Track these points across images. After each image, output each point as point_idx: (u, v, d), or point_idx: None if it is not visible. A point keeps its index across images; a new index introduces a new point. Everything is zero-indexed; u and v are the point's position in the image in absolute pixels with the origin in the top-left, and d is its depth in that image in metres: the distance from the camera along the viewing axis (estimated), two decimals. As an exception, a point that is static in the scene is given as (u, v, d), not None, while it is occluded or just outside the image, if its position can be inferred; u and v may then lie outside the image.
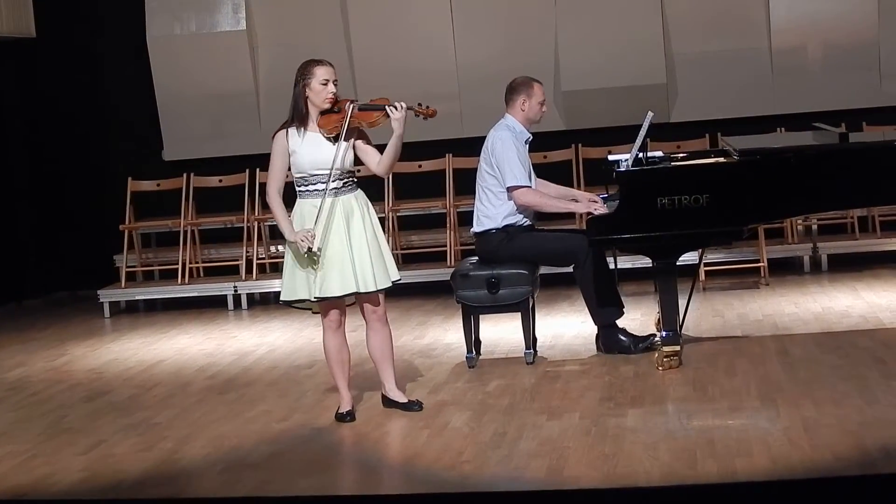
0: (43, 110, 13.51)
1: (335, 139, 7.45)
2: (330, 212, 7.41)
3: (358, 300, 7.55)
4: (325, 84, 7.46)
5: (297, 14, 13.01)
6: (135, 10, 13.13)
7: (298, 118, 7.50)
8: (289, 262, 7.51)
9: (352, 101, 7.48)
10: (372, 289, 7.43)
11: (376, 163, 7.57)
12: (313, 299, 7.43)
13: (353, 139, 7.49)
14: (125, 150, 13.47)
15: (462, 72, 12.78)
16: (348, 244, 7.40)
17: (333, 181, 7.43)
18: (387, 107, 7.48)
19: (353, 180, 7.55)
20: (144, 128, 13.35)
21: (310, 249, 7.31)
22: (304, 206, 7.48)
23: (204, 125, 13.21)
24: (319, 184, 7.43)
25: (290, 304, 7.62)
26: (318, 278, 7.37)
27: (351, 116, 7.42)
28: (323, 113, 7.49)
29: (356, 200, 7.51)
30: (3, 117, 13.27)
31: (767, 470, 6.05)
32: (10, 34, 13.12)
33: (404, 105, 7.49)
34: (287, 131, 7.50)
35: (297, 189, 7.52)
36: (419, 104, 7.62)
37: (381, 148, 7.56)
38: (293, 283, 7.48)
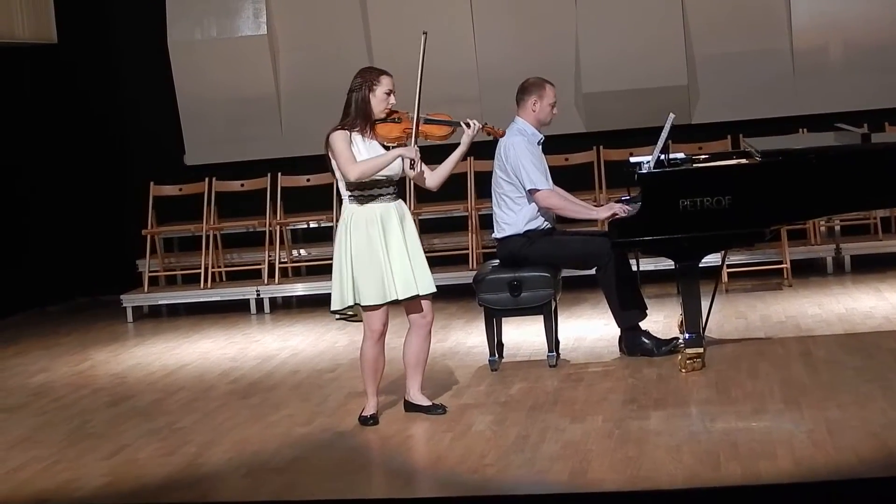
0: (64, 116, 13.54)
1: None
2: (389, 216, 7.45)
3: (409, 305, 7.56)
4: (389, 94, 7.48)
5: (318, 18, 13.02)
6: (156, 15, 13.15)
7: (364, 122, 7.48)
8: (336, 271, 7.50)
9: (411, 113, 7.47)
10: (432, 290, 7.51)
11: (427, 175, 7.61)
12: (383, 302, 7.42)
13: None
14: (147, 154, 13.49)
15: (483, 75, 12.78)
16: (405, 247, 7.43)
17: (391, 187, 7.49)
18: (462, 123, 7.56)
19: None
20: (166, 132, 13.37)
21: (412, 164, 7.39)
22: (363, 213, 7.45)
23: (225, 129, 13.23)
24: (376, 188, 7.43)
25: (339, 315, 7.60)
26: (383, 282, 7.38)
27: (419, 128, 7.44)
28: (378, 121, 7.49)
29: (404, 206, 7.58)
30: (25, 122, 13.31)
31: (791, 472, 6.04)
32: (31, 40, 13.16)
33: (478, 124, 7.55)
34: (350, 134, 7.47)
35: (350, 195, 7.49)
36: (486, 123, 7.68)
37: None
38: (342, 291, 7.46)
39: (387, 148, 7.50)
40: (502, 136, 7.85)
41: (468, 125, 7.58)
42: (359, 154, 7.42)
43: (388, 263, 7.40)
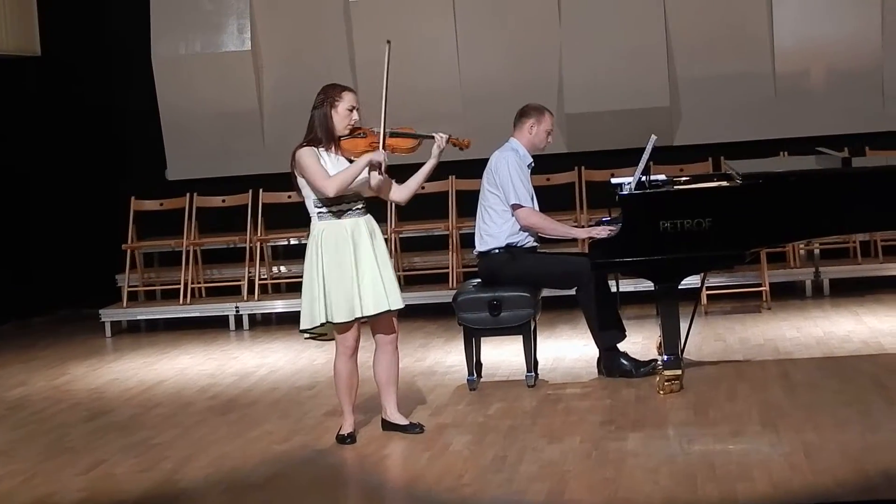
0: (47, 129, 13.53)
1: None
2: (359, 232, 7.43)
3: (375, 322, 7.55)
4: (351, 111, 7.47)
5: (302, 34, 13.04)
6: (140, 29, 13.15)
7: (328, 140, 7.45)
8: (307, 289, 7.47)
9: (376, 128, 7.45)
10: (401, 306, 7.49)
11: (394, 189, 7.62)
12: (353, 319, 7.40)
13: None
14: (129, 169, 13.49)
15: (466, 93, 12.80)
16: (376, 263, 7.42)
17: (360, 202, 7.47)
18: (435, 135, 7.53)
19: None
20: (148, 147, 13.36)
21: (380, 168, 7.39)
22: (332, 229, 7.43)
23: (208, 145, 13.22)
24: (345, 203, 7.42)
25: (309, 333, 7.54)
26: (353, 298, 7.36)
27: (385, 142, 7.43)
28: (343, 137, 7.48)
29: (373, 221, 7.55)
30: (8, 135, 13.29)
31: (768, 495, 6.05)
32: (15, 52, 13.15)
33: (444, 136, 7.55)
34: (317, 149, 7.45)
35: (318, 211, 7.46)
36: (451, 135, 7.67)
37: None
38: (312, 309, 7.44)
39: (351, 162, 7.47)
40: (468, 146, 7.79)
41: (438, 138, 7.57)
42: (327, 168, 7.41)
43: (358, 280, 7.38)
